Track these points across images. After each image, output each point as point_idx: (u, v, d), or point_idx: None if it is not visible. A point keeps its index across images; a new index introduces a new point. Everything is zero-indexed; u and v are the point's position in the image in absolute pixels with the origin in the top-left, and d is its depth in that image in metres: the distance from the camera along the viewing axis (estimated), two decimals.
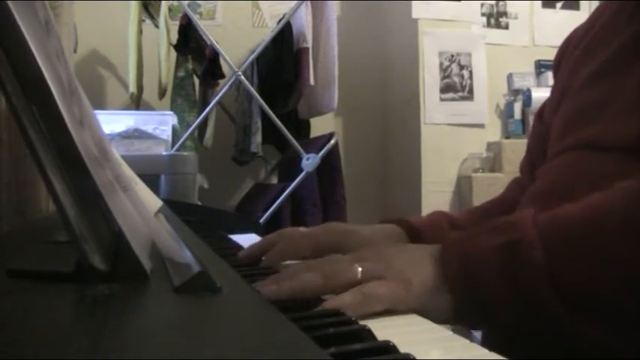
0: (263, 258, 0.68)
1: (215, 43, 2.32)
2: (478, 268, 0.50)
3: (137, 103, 2.38)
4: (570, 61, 0.76)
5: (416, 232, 0.74)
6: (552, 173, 0.69)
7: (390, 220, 0.77)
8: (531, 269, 0.47)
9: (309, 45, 2.38)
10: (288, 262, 0.69)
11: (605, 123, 0.63)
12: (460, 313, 0.50)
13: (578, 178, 0.63)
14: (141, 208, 0.44)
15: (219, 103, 2.48)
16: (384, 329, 0.40)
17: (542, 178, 0.72)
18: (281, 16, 2.56)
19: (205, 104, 2.44)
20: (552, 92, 0.81)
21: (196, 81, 2.58)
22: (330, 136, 2.37)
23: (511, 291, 0.48)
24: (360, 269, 0.50)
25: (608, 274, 0.46)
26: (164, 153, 1.81)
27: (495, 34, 2.81)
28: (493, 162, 2.65)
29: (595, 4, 0.79)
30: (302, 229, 0.75)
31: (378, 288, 0.49)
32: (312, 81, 2.37)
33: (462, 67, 2.72)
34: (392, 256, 0.53)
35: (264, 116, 2.39)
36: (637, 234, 0.46)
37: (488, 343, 0.42)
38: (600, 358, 0.48)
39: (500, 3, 2.84)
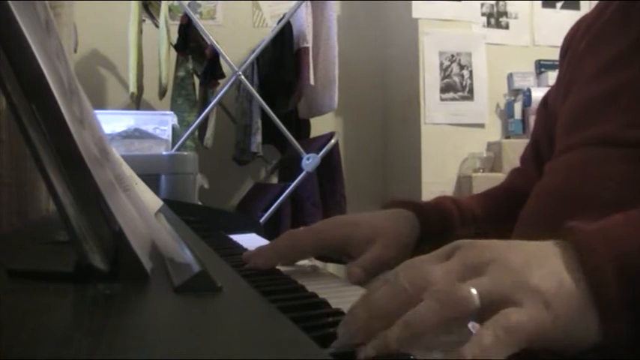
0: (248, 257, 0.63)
1: (215, 42, 2.32)
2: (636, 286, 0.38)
3: (137, 103, 2.38)
4: (577, 51, 0.75)
5: (425, 216, 0.69)
6: (563, 170, 0.67)
7: (395, 204, 0.71)
8: None
9: (309, 45, 2.38)
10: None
11: (618, 116, 0.61)
12: (612, 332, 0.38)
13: (591, 175, 0.61)
14: (141, 208, 0.44)
15: (219, 103, 2.48)
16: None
17: (552, 174, 0.70)
18: (281, 15, 2.56)
19: (205, 104, 2.44)
20: (558, 80, 0.79)
21: (196, 81, 2.58)
22: (331, 135, 2.37)
23: None
24: (474, 292, 0.36)
25: None
26: (164, 153, 1.81)
27: (495, 34, 2.81)
28: (493, 162, 2.65)
29: (595, 4, 0.78)
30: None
31: (517, 315, 0.35)
32: (312, 81, 2.37)
33: (462, 67, 2.72)
34: (514, 266, 0.38)
35: (265, 116, 2.39)
36: None
37: None
38: None
39: (501, 3, 2.83)
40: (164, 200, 0.89)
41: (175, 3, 2.49)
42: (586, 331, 0.38)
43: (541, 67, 2.81)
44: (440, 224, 0.71)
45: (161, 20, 2.34)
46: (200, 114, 2.35)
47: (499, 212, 0.78)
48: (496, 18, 2.83)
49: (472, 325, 0.37)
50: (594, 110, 0.66)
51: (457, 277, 0.38)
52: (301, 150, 2.28)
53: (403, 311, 0.36)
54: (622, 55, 0.65)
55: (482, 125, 2.75)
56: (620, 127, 0.61)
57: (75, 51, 2.18)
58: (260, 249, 0.64)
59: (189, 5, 2.67)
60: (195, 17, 2.37)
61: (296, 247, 0.65)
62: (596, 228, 0.41)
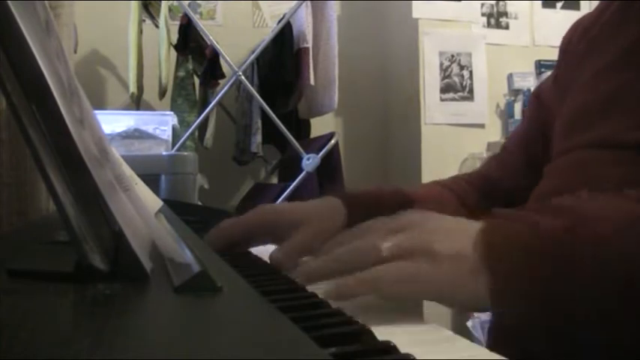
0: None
1: (215, 43, 2.32)
2: (528, 248, 0.43)
3: (137, 103, 2.38)
4: (575, 53, 0.75)
5: (353, 203, 0.70)
6: (561, 172, 0.68)
7: (331, 194, 0.74)
8: (596, 248, 0.41)
9: (309, 45, 2.38)
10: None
11: (619, 119, 0.62)
12: (496, 301, 0.43)
13: (589, 177, 0.61)
14: (141, 208, 0.44)
15: (219, 103, 2.48)
16: (384, 329, 0.40)
17: (551, 176, 0.70)
18: (281, 16, 2.56)
19: (205, 104, 2.44)
20: (556, 80, 0.79)
21: (196, 81, 2.58)
22: (331, 136, 2.37)
23: (556, 287, 0.41)
24: (385, 245, 0.45)
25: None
26: (164, 153, 1.81)
27: (495, 34, 2.81)
28: (485, 159, 2.65)
29: (595, 4, 0.78)
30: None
31: (406, 267, 0.44)
32: (312, 81, 2.38)
33: (462, 67, 2.72)
34: (426, 230, 0.46)
35: (265, 116, 2.39)
36: None
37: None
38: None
39: (501, 3, 2.84)
40: (164, 200, 0.89)
41: (175, 3, 2.49)
42: (475, 292, 0.43)
43: (541, 67, 2.81)
44: (366, 212, 0.70)
45: (161, 20, 2.34)
46: (200, 114, 2.35)
47: (465, 200, 0.80)
48: (496, 18, 2.83)
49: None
50: (592, 113, 0.66)
51: (382, 235, 0.46)
52: (301, 150, 2.28)
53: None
54: (620, 58, 0.65)
55: (482, 125, 2.75)
56: (617, 129, 0.61)
57: (75, 51, 2.18)
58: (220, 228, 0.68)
59: (189, 5, 2.67)
60: (195, 17, 2.37)
61: (224, 237, 0.68)
62: (508, 213, 0.47)
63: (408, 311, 0.49)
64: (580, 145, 0.66)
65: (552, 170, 0.70)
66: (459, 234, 0.46)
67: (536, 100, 0.83)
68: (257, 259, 0.71)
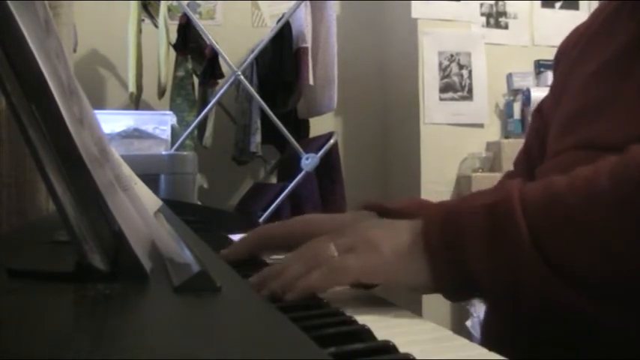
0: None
1: (214, 42, 2.32)
2: (458, 230, 0.48)
3: (137, 102, 2.38)
4: (569, 60, 0.76)
5: (388, 214, 0.72)
6: (553, 172, 0.69)
7: (364, 206, 0.75)
8: (514, 239, 0.45)
9: (309, 45, 2.38)
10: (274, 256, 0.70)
11: (606, 123, 0.63)
12: (438, 278, 0.49)
13: None
14: (141, 208, 0.44)
15: (218, 102, 2.48)
16: (384, 329, 0.40)
17: (541, 178, 0.71)
18: (280, 15, 2.56)
19: (205, 104, 2.44)
20: (551, 89, 0.81)
21: (196, 81, 2.57)
22: (330, 135, 2.37)
23: (494, 255, 0.46)
24: (333, 247, 0.50)
25: (590, 243, 0.44)
26: (164, 153, 1.81)
27: (495, 34, 2.81)
28: (493, 162, 2.65)
29: (595, 4, 0.78)
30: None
31: (346, 260, 0.49)
32: (311, 81, 2.37)
33: (461, 67, 2.72)
34: (366, 229, 0.52)
35: (264, 116, 2.38)
36: (620, 206, 0.44)
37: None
38: (588, 329, 0.47)
39: (500, 3, 2.84)
40: (164, 200, 0.89)
41: (175, 3, 2.49)
42: (417, 272, 0.49)
43: (540, 67, 2.81)
44: None
45: (160, 20, 2.34)
46: (199, 114, 2.35)
47: None
48: (495, 18, 2.83)
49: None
50: (581, 116, 0.67)
51: (329, 240, 0.51)
52: (300, 150, 2.28)
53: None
54: (609, 63, 0.67)
55: (481, 125, 2.75)
56: (604, 131, 0.62)
57: (75, 51, 2.18)
58: (234, 242, 0.70)
59: (188, 5, 2.66)
60: (194, 17, 2.37)
61: (267, 242, 0.70)
62: (441, 203, 0.53)
63: (408, 311, 0.49)
64: (570, 146, 0.67)
65: (544, 171, 0.71)
66: (397, 229, 0.51)
67: (538, 115, 0.84)
68: (257, 260, 0.71)
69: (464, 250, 0.47)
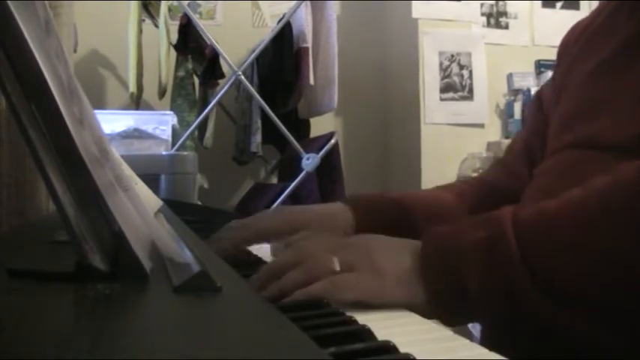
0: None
1: (215, 42, 2.32)
2: (455, 259, 0.49)
3: (137, 102, 2.38)
4: (569, 57, 0.76)
5: (360, 213, 0.75)
6: (550, 172, 0.69)
7: (342, 199, 0.78)
8: (507, 263, 0.47)
9: (309, 45, 2.38)
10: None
11: (604, 121, 0.63)
12: (434, 305, 0.50)
13: (577, 177, 0.63)
14: (141, 208, 0.44)
15: (219, 102, 2.48)
16: (384, 329, 0.40)
17: (540, 176, 0.71)
18: (281, 15, 2.56)
19: (205, 104, 2.44)
20: (553, 84, 0.80)
21: (196, 81, 2.57)
22: (330, 135, 2.37)
23: (488, 284, 0.48)
24: (336, 261, 0.51)
25: (584, 266, 0.46)
26: (164, 153, 1.81)
27: (495, 34, 2.81)
28: (493, 162, 2.64)
29: (595, 4, 0.78)
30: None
31: (349, 278, 0.50)
32: (311, 81, 2.37)
33: (461, 67, 2.72)
34: (370, 247, 0.54)
35: (264, 116, 2.38)
36: (612, 227, 0.46)
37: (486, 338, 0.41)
38: (583, 349, 0.48)
39: (500, 3, 2.83)
40: (164, 200, 0.89)
41: (175, 3, 2.49)
42: (415, 295, 0.50)
43: (541, 67, 2.81)
44: (373, 224, 0.74)
45: (161, 20, 2.34)
46: (200, 114, 2.35)
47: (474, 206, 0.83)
48: (496, 18, 2.83)
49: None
50: (581, 115, 0.68)
51: (333, 252, 0.52)
52: (301, 150, 2.28)
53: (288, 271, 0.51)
54: (606, 64, 0.67)
55: (481, 125, 2.75)
56: (604, 130, 0.63)
57: (75, 51, 2.18)
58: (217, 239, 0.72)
59: (189, 5, 2.66)
60: (194, 17, 2.37)
61: (251, 231, 0.72)
62: (439, 229, 0.53)
63: (408, 311, 0.49)
64: (569, 144, 0.67)
65: (543, 169, 0.71)
66: (398, 249, 0.53)
67: (537, 102, 0.83)
68: (257, 260, 0.71)
69: (461, 278, 0.49)
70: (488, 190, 0.84)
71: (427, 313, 0.50)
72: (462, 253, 0.49)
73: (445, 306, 0.50)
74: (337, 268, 0.51)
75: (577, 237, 0.47)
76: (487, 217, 0.52)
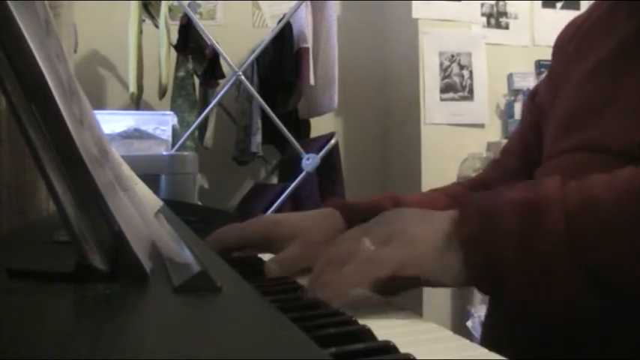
0: None
1: (215, 43, 2.32)
2: (494, 223, 0.47)
3: (137, 103, 2.38)
4: (565, 54, 0.75)
5: (355, 214, 0.72)
6: (551, 175, 0.69)
7: (327, 203, 0.75)
8: (550, 231, 0.45)
9: (309, 45, 2.38)
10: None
11: (606, 124, 0.62)
12: (470, 272, 0.48)
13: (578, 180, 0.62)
14: (141, 208, 0.44)
15: (219, 103, 2.48)
16: (384, 329, 0.40)
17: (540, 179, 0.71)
18: (281, 16, 2.56)
19: (205, 104, 2.44)
20: (548, 78, 0.80)
21: (196, 81, 2.57)
22: (330, 136, 2.37)
23: (526, 251, 0.45)
24: (367, 241, 0.50)
25: (630, 255, 0.44)
26: (164, 153, 1.81)
27: (495, 34, 2.81)
28: (489, 162, 2.64)
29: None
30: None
31: (380, 252, 0.49)
32: (312, 81, 2.37)
33: (462, 67, 2.72)
34: (402, 221, 0.52)
35: (265, 116, 2.38)
36: None
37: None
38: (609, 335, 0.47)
39: (501, 3, 2.83)
40: (164, 200, 0.89)
41: (175, 3, 2.49)
42: (452, 264, 0.48)
43: (541, 67, 2.81)
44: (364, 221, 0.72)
45: (161, 20, 2.34)
46: (200, 114, 2.35)
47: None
48: (496, 18, 2.83)
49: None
50: (582, 116, 0.67)
51: (361, 236, 0.51)
52: (301, 150, 2.28)
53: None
54: (604, 64, 0.66)
55: (482, 125, 2.75)
56: (605, 134, 0.62)
57: (75, 51, 2.17)
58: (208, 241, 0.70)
59: (189, 5, 2.67)
60: (195, 17, 2.37)
61: (222, 242, 0.70)
62: (479, 194, 0.52)
63: (408, 311, 0.49)
64: (568, 148, 0.66)
65: (542, 173, 0.70)
66: (434, 222, 0.51)
67: (531, 102, 0.83)
68: (257, 260, 0.71)
69: (498, 246, 0.47)
70: (483, 190, 0.83)
71: (461, 281, 0.49)
72: (499, 216, 0.47)
73: (480, 271, 0.47)
74: (371, 246, 0.49)
75: (620, 221, 0.44)
76: (531, 182, 0.50)
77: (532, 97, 0.83)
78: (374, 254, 0.49)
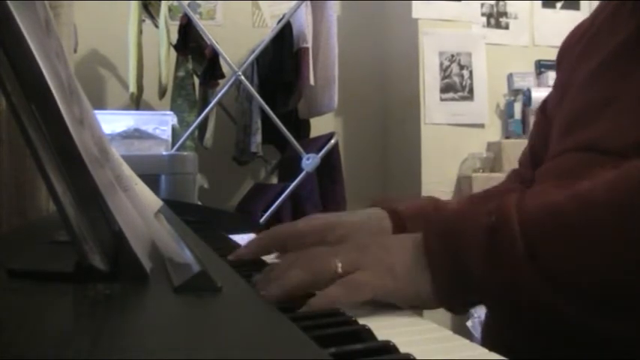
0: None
1: (215, 43, 2.32)
2: (459, 245, 0.49)
3: (137, 103, 2.38)
4: (571, 57, 0.76)
5: (401, 220, 0.73)
6: (550, 175, 0.69)
7: (377, 203, 0.76)
8: (509, 248, 0.47)
9: (309, 45, 2.38)
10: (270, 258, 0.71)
11: (606, 124, 0.62)
12: (440, 291, 0.50)
13: (579, 179, 0.62)
14: (141, 208, 0.44)
15: (219, 103, 2.48)
16: (384, 329, 0.40)
17: (541, 180, 0.71)
18: (281, 15, 2.56)
19: (205, 104, 2.44)
20: (554, 87, 0.80)
21: (196, 81, 2.57)
22: (330, 136, 2.37)
23: (492, 268, 0.47)
24: (339, 262, 0.51)
25: (586, 252, 0.45)
26: (164, 153, 1.81)
27: (495, 34, 2.81)
28: (493, 162, 2.64)
29: (595, 4, 0.78)
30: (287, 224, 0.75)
31: (361, 276, 0.50)
32: (312, 81, 2.37)
33: (462, 67, 2.72)
34: (368, 245, 0.54)
35: (265, 116, 2.38)
36: (619, 223, 0.45)
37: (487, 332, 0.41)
38: (586, 341, 0.47)
39: (501, 3, 2.83)
40: (164, 200, 0.89)
41: (175, 3, 2.49)
42: (424, 286, 0.50)
43: (541, 67, 2.81)
44: (413, 229, 0.73)
45: (161, 20, 2.34)
46: (200, 114, 2.35)
47: None
48: (496, 18, 2.83)
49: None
50: (584, 117, 0.67)
51: (331, 256, 0.52)
52: (301, 150, 2.28)
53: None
54: (607, 65, 0.66)
55: (482, 125, 2.75)
56: (606, 134, 0.62)
57: (75, 51, 2.18)
58: (248, 242, 0.71)
59: (189, 5, 2.66)
60: (195, 17, 2.37)
61: (277, 242, 0.71)
62: (441, 216, 0.54)
63: (408, 311, 0.49)
64: (571, 147, 0.66)
65: (544, 172, 0.70)
66: (398, 243, 0.54)
67: (541, 113, 0.83)
68: (257, 260, 0.71)
69: (464, 263, 0.49)
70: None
71: (434, 303, 0.51)
72: (464, 238, 0.49)
73: (450, 293, 0.50)
74: (338, 264, 0.51)
75: (584, 223, 0.46)
76: (492, 205, 0.51)
77: (542, 110, 0.84)
78: (352, 279, 0.50)
